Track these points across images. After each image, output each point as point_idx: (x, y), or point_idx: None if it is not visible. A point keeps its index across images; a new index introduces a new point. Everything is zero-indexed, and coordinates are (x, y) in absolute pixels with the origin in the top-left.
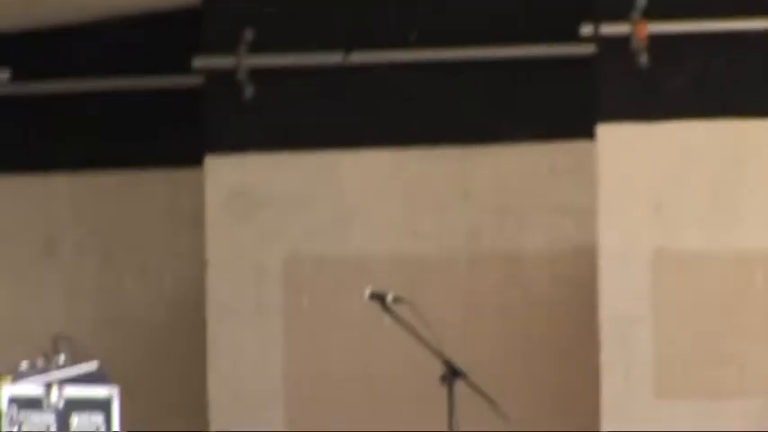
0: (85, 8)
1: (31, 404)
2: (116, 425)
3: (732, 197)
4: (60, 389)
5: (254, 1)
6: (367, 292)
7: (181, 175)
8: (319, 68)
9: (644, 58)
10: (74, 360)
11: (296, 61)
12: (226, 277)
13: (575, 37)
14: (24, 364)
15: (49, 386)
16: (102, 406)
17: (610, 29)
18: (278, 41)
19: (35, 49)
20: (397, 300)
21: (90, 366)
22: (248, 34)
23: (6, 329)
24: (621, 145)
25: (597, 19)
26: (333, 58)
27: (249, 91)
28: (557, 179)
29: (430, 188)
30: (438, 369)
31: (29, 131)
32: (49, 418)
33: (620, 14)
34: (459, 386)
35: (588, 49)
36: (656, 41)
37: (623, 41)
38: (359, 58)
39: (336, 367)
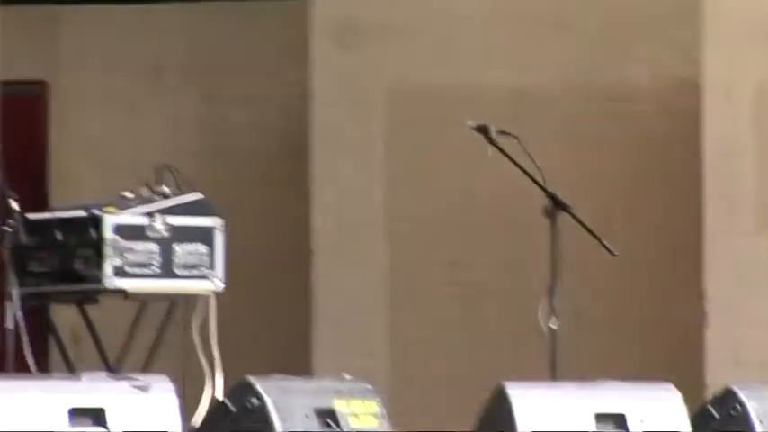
0: None
1: (135, 233)
2: (220, 254)
3: None
4: (164, 218)
5: None
6: (470, 123)
7: (287, 5)
8: None
9: None
10: (178, 190)
11: None
12: (330, 107)
13: None
14: (129, 193)
15: (152, 215)
16: (206, 236)
17: None
18: None
19: None
20: (501, 133)
21: (194, 196)
22: None
23: (112, 158)
24: None
25: None
26: None
27: None
28: (661, 11)
29: (532, 19)
30: (540, 202)
31: None
32: (152, 247)
33: None
34: (562, 219)
35: None
36: None
37: None
38: None
39: (438, 198)
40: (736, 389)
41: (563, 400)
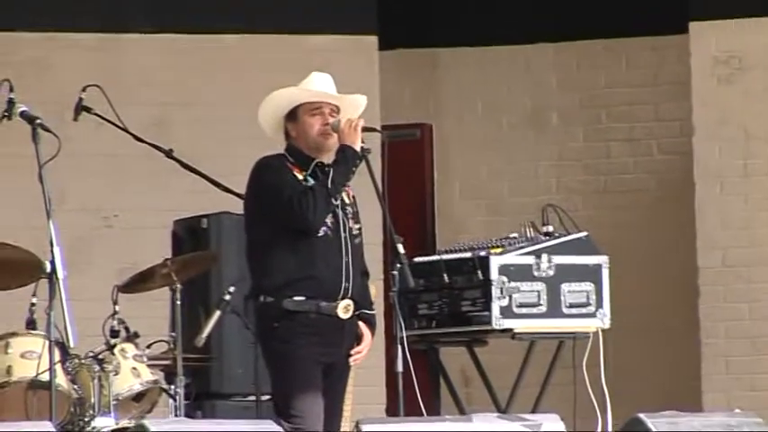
0: None
1: (522, 273)
2: (606, 293)
3: None
4: (550, 257)
5: None
6: None
7: (665, 42)
8: None
9: None
10: (563, 228)
11: None
12: (712, 143)
13: None
14: (514, 234)
15: (539, 255)
16: (592, 274)
17: None
18: None
19: None
20: None
21: (579, 235)
22: None
23: (495, 198)
24: None
25: None
26: None
27: None
28: None
29: None
30: None
31: (514, 1)
32: (539, 287)
33: None
34: None
35: None
36: None
37: None
38: None
39: None
40: (643, 417)
41: None
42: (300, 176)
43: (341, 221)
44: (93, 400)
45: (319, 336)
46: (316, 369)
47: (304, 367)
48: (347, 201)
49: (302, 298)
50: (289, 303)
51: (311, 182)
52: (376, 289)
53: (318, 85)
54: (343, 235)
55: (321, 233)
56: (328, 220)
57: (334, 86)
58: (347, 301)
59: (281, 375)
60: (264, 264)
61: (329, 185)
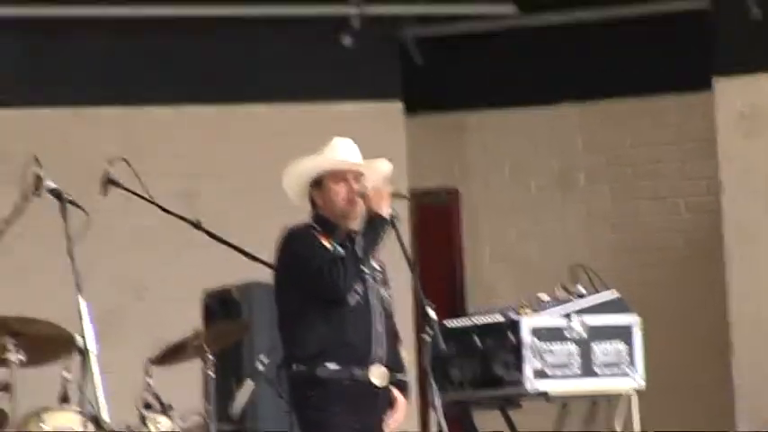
0: None
1: (554, 334)
2: (639, 352)
3: None
4: (582, 318)
5: None
6: None
7: (690, 99)
8: None
9: None
10: (593, 288)
11: None
12: (740, 199)
13: None
14: (544, 296)
15: (570, 316)
16: (624, 334)
17: None
18: None
19: None
20: None
21: (609, 295)
22: None
23: (524, 260)
24: None
25: None
26: None
27: (756, 12)
28: None
29: None
30: None
31: (538, 63)
32: (571, 348)
33: None
34: None
35: None
36: None
37: None
38: None
39: None
40: None
41: None
42: (329, 245)
43: (370, 288)
44: None
45: (354, 404)
46: None
47: None
48: (377, 267)
49: (335, 366)
50: (322, 372)
51: (340, 250)
52: (408, 354)
53: (341, 152)
54: (373, 302)
55: (352, 301)
56: (358, 287)
57: (358, 151)
58: (381, 369)
59: None
60: (295, 333)
61: (359, 254)
